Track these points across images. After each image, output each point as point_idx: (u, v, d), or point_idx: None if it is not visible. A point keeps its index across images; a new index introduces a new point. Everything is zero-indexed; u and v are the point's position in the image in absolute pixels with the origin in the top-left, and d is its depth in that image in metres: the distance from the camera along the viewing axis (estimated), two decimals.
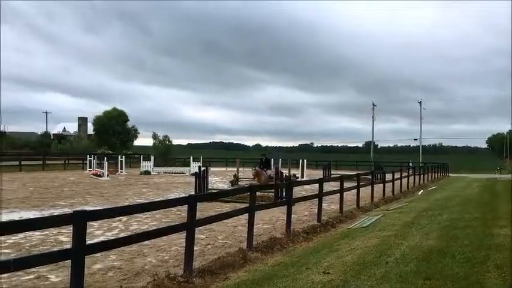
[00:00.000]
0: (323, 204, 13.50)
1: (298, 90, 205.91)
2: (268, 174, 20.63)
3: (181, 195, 18.74)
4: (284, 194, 16.20)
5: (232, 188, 21.92)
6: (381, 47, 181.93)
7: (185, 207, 7.57)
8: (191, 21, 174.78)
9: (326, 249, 8.76)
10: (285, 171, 23.94)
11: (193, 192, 17.90)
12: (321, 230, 11.71)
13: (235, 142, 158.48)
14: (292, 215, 11.55)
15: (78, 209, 12.88)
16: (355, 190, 16.56)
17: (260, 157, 22.42)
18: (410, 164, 45.01)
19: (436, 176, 37.54)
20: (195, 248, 7.58)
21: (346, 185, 15.72)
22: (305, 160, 36.25)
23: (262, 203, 13.37)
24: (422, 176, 30.55)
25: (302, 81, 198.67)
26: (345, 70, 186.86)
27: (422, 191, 24.58)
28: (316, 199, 13.26)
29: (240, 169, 29.27)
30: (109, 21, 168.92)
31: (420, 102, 69.40)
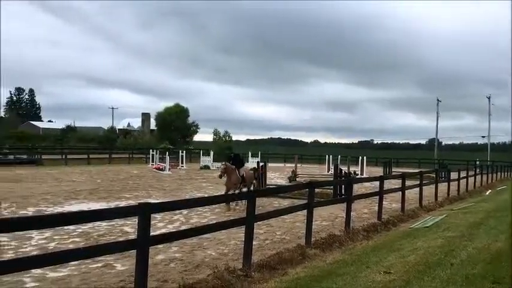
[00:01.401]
0: (384, 203, 13.18)
1: (358, 86, 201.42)
2: (240, 175, 15.96)
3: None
4: (343, 191, 15.99)
5: (290, 184, 21.91)
6: (446, 42, 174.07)
7: (244, 202, 7.66)
8: (247, 18, 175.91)
9: (387, 249, 8.54)
10: (344, 168, 23.59)
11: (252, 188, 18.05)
12: (381, 229, 11.45)
13: (293, 138, 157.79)
14: (352, 213, 11.36)
15: (142, 201, 13.36)
16: (418, 189, 16.02)
17: (230, 154, 18.07)
18: (477, 163, 42.91)
19: (506, 176, 35.55)
20: (253, 243, 7.64)
21: (408, 183, 15.25)
22: (365, 157, 35.53)
23: (320, 199, 13.25)
24: (490, 175, 29.05)
25: (361, 76, 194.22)
26: (408, 66, 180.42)
27: (490, 191, 23.37)
28: (377, 197, 12.97)
29: (298, 165, 29.20)
30: (167, 19, 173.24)
31: (489, 98, 65.96)
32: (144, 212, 5.58)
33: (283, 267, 7.34)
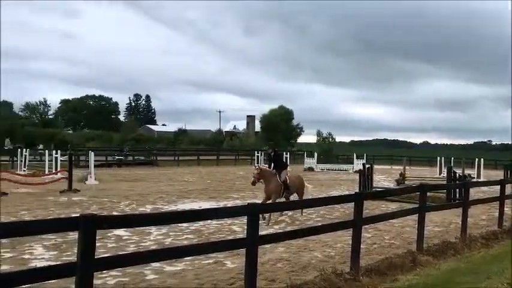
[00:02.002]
0: (505, 209, 12.12)
1: (472, 83, 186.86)
2: (282, 180, 12.63)
3: (345, 193, 18.68)
4: (457, 195, 15.01)
5: (398, 187, 21.06)
6: None
7: (349, 204, 7.54)
8: (349, 17, 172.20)
9: (510, 259, 7.83)
10: (458, 171, 22.08)
11: (357, 190, 17.66)
12: (502, 237, 10.53)
13: (400, 139, 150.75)
14: (468, 219, 10.60)
15: (250, 201, 13.73)
16: None
17: (268, 151, 14.04)
18: None
19: None
20: (361, 247, 7.47)
21: None
22: (482, 159, 32.93)
23: (431, 204, 12.55)
24: None
25: (476, 73, 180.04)
26: None
27: None
28: (497, 202, 11.96)
29: (406, 167, 28.01)
30: (269, 23, 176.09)
31: None
32: (252, 212, 5.73)
33: (393, 273, 7.08)
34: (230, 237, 9.55)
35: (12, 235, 4.71)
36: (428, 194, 14.90)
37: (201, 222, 11.05)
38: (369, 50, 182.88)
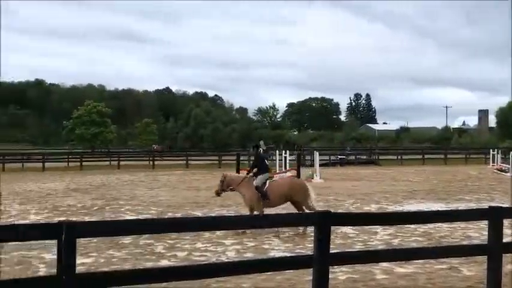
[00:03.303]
0: None
1: None
2: (255, 185, 10.34)
3: None
4: None
5: None
6: None
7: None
8: None
9: None
10: None
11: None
12: None
13: None
14: None
15: (493, 205, 12.49)
16: None
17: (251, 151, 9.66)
18: None
19: None
20: None
21: None
22: None
23: None
24: None
25: None
26: None
27: None
28: None
29: None
30: (495, 8, 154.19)
31: None
32: (495, 216, 5.21)
33: None
34: (464, 242, 8.85)
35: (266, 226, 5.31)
36: None
37: (431, 225, 10.48)
38: None
